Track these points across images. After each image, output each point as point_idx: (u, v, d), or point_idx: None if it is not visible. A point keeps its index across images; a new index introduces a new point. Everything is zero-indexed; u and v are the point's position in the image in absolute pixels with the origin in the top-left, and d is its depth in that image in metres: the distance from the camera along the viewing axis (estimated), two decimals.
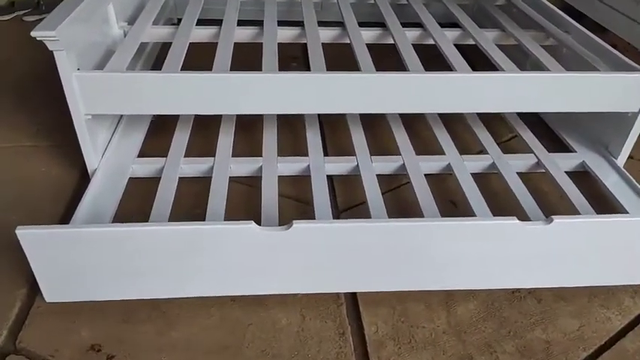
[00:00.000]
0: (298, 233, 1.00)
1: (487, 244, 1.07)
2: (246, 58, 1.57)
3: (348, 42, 1.61)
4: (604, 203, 1.37)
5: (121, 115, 1.58)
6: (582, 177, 1.48)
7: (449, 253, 1.07)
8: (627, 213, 1.24)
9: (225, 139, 1.51)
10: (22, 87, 1.90)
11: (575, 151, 1.55)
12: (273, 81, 1.28)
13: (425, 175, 1.41)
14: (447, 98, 1.35)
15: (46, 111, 1.73)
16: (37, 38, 1.12)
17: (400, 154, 1.48)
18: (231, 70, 1.35)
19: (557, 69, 1.43)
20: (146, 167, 1.42)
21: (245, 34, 1.64)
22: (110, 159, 1.41)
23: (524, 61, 1.86)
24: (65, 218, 1.31)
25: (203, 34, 1.62)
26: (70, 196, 1.39)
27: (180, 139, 1.51)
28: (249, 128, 1.63)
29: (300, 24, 1.70)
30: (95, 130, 1.36)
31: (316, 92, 1.30)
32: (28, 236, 0.96)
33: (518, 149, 1.61)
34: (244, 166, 1.44)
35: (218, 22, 1.67)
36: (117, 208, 1.26)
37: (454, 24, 1.81)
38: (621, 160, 1.48)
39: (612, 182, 1.40)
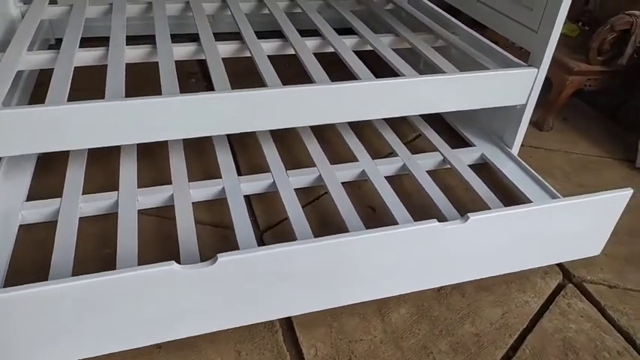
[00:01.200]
0: (224, 267, 0.95)
1: (411, 248, 1.09)
2: (141, 80, 1.47)
3: (249, 55, 1.57)
4: (507, 192, 1.47)
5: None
6: (483, 168, 1.57)
7: (377, 263, 1.08)
8: (530, 201, 1.34)
9: (128, 169, 1.39)
10: None
11: (475, 145, 1.65)
12: (176, 105, 1.20)
13: (342, 183, 1.41)
14: (354, 107, 1.36)
15: None
16: None
17: (315, 166, 1.47)
18: (126, 95, 1.25)
19: (452, 70, 1.50)
20: (38, 211, 1.26)
21: (137, 54, 1.53)
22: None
23: (418, 63, 1.94)
24: None
25: (89, 57, 1.49)
26: None
27: (75, 174, 1.37)
28: (153, 154, 1.53)
29: (194, 37, 1.63)
30: None
31: (224, 112, 1.25)
32: None
33: (423, 147, 1.68)
34: (153, 197, 1.34)
35: (104, 41, 1.54)
36: (9, 264, 1.11)
37: (348, 29, 1.84)
38: (515, 149, 1.60)
39: (510, 171, 1.50)
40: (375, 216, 1.42)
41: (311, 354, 1.03)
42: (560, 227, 1.18)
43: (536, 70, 1.44)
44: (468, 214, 1.08)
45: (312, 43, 1.68)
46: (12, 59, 1.36)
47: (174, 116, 1.21)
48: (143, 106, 1.18)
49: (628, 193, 1.17)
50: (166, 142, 1.49)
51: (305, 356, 1.03)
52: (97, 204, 1.30)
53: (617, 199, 1.17)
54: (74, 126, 1.14)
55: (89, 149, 1.45)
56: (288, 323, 1.09)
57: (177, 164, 1.43)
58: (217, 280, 0.96)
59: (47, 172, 1.42)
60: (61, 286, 0.87)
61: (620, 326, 1.14)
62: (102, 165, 1.46)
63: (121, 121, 1.18)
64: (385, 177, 1.46)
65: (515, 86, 1.46)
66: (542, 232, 1.17)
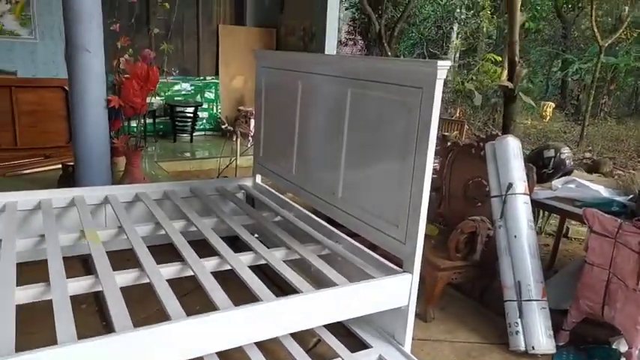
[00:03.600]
0: None
1: None
2: (34, 316, 1.41)
3: (148, 281, 1.61)
4: None
5: None
6: None
7: None
8: None
9: None
10: None
11: (371, 346, 1.76)
12: (73, 352, 1.17)
13: None
14: (257, 328, 1.43)
15: None
16: None
17: None
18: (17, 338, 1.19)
19: (341, 281, 1.67)
20: None
21: (28, 295, 1.48)
22: None
23: (309, 268, 2.12)
24: None
25: None
26: None
27: None
28: None
29: (85, 258, 1.64)
30: None
31: (124, 353, 1.23)
32: None
33: (324, 353, 1.74)
34: None
35: None
36: None
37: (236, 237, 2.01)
38: (407, 346, 1.74)
39: None
40: None
41: None
42: None
43: (411, 274, 1.66)
44: None
45: (209, 263, 1.78)
46: None
47: None
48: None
49: None
50: None
51: None
52: None
53: None
54: None
55: None
56: None
57: None
58: None
59: None
60: None
61: None
62: None
63: None
64: None
65: (397, 290, 1.66)
66: None
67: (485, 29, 9.89)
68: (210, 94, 5.57)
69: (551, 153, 2.35)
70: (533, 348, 1.86)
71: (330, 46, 5.05)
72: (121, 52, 3.10)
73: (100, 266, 1.64)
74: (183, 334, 1.31)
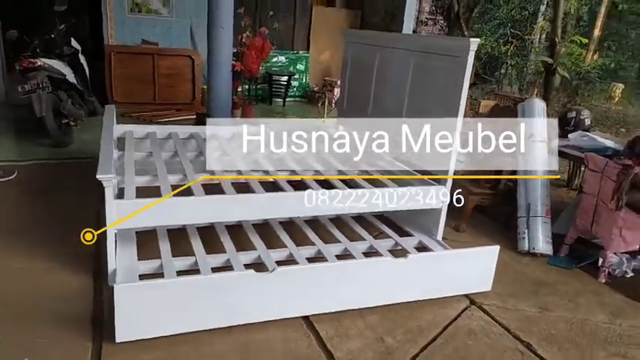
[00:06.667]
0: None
1: (377, 273, 1.92)
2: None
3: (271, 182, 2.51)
4: None
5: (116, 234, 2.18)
6: (422, 250, 2.45)
7: (358, 282, 1.89)
8: None
9: (197, 244, 2.20)
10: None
11: (414, 235, 2.56)
12: (245, 200, 2.09)
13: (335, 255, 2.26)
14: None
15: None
16: (99, 179, 1.81)
17: (315, 245, 2.32)
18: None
19: (393, 187, 2.47)
20: (148, 266, 2.04)
21: (175, 179, 2.39)
22: (122, 262, 2.01)
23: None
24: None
25: (174, 179, 2.38)
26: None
27: (165, 245, 2.16)
28: (207, 234, 2.33)
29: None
30: (113, 244, 1.97)
31: (274, 204, 2.14)
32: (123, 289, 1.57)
33: (383, 238, 2.56)
34: (216, 259, 2.14)
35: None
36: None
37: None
38: (439, 237, 2.52)
39: (439, 251, 2.39)
40: None
41: (326, 335, 1.79)
42: (460, 268, 2.05)
43: (444, 186, 2.43)
44: (408, 254, 1.95)
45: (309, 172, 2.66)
46: (130, 182, 2.24)
47: (240, 208, 2.09)
48: (224, 199, 2.06)
49: (496, 247, 2.09)
50: (215, 229, 2.32)
51: (321, 335, 1.78)
52: (184, 263, 2.08)
53: (491, 251, 2.08)
54: (190, 209, 2.00)
55: (167, 231, 2.25)
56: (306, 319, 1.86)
57: (227, 242, 2.25)
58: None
59: (142, 245, 2.20)
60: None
61: (501, 323, 1.96)
62: (176, 241, 2.25)
63: (217, 206, 2.05)
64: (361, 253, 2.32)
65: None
66: (450, 270, 2.04)
67: (572, 10, 9.85)
68: (301, 66, 6.48)
69: (573, 114, 2.97)
70: (534, 248, 2.56)
71: (408, 27, 5.74)
72: (243, 29, 4.03)
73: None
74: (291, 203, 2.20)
